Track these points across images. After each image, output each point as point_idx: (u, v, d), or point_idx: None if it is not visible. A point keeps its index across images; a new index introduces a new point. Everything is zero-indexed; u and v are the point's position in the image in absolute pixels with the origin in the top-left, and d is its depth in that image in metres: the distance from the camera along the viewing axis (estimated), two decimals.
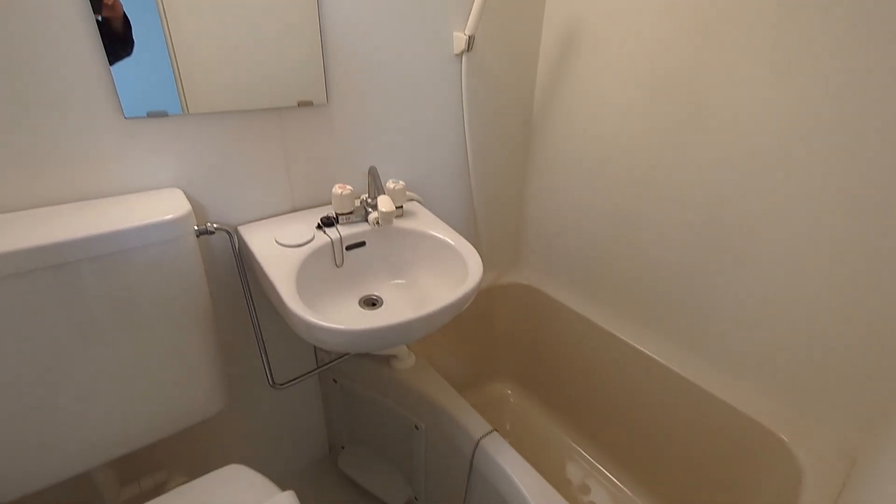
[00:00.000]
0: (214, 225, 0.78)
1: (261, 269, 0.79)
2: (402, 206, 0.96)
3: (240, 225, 0.88)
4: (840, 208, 0.78)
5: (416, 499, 1.15)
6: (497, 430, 0.92)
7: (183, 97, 0.76)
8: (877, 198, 0.74)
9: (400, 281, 0.97)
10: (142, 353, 0.75)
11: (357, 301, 0.93)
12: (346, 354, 1.06)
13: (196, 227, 0.76)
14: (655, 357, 1.12)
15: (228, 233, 0.81)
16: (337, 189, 0.88)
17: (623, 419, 1.24)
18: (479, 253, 1.26)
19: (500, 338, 1.50)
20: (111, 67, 0.68)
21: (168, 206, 0.72)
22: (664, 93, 0.97)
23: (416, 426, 1.03)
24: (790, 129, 0.81)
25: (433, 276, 0.95)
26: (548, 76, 1.20)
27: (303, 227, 0.88)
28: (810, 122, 0.78)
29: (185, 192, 0.79)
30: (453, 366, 1.42)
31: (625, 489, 1.23)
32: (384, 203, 0.75)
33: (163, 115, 0.74)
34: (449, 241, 0.92)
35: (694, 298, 1.04)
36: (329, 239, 0.87)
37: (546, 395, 1.47)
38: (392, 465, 1.20)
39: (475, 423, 0.92)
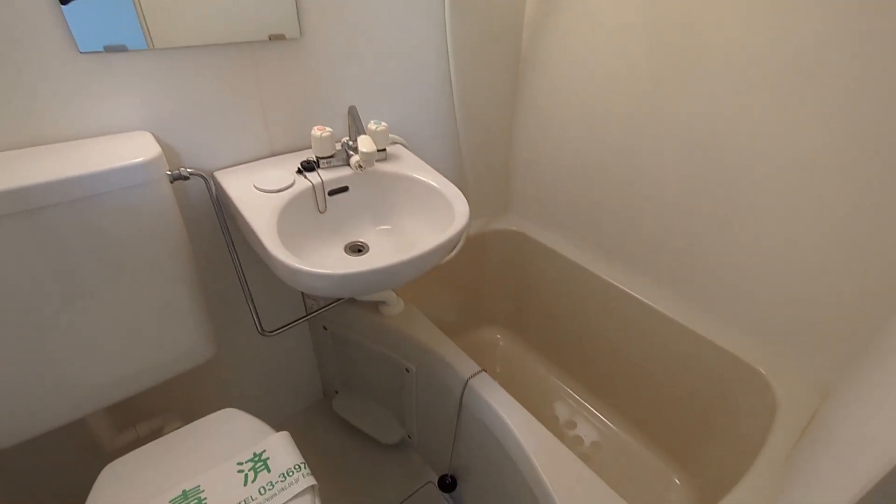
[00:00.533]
0: (188, 170, 0.75)
1: (240, 215, 0.77)
2: (385, 150, 0.92)
3: (216, 170, 0.84)
4: (835, 148, 0.76)
5: (409, 437, 1.20)
6: (485, 371, 0.94)
7: (146, 30, 0.70)
8: (872, 137, 0.72)
9: (385, 227, 0.96)
10: (126, 301, 0.74)
11: (342, 248, 0.92)
12: (335, 302, 1.06)
13: (169, 172, 0.73)
14: (642, 298, 1.13)
15: (204, 178, 0.78)
16: (316, 131, 0.84)
17: (610, 359, 1.27)
18: (466, 198, 1.24)
19: (489, 284, 1.51)
20: None
21: (137, 149, 0.69)
22: (661, 25, 0.92)
23: (406, 369, 1.05)
24: (788, 63, 0.77)
25: (419, 221, 0.93)
26: (537, 5, 1.13)
27: (282, 173, 0.85)
28: (808, 57, 0.75)
29: (154, 136, 0.75)
30: (443, 312, 1.44)
31: (610, 424, 1.29)
32: (365, 143, 0.72)
33: (122, 49, 0.69)
34: (434, 184, 0.89)
35: (682, 240, 1.04)
36: (310, 184, 0.85)
37: (535, 338, 1.51)
38: (385, 406, 1.23)
39: (464, 364, 0.94)
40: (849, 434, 0.55)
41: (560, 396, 1.38)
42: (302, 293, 1.11)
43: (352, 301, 1.08)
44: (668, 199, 1.03)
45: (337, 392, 1.29)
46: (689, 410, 1.11)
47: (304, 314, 1.03)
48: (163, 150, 0.72)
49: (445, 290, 1.43)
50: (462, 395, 0.93)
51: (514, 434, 0.82)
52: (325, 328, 1.15)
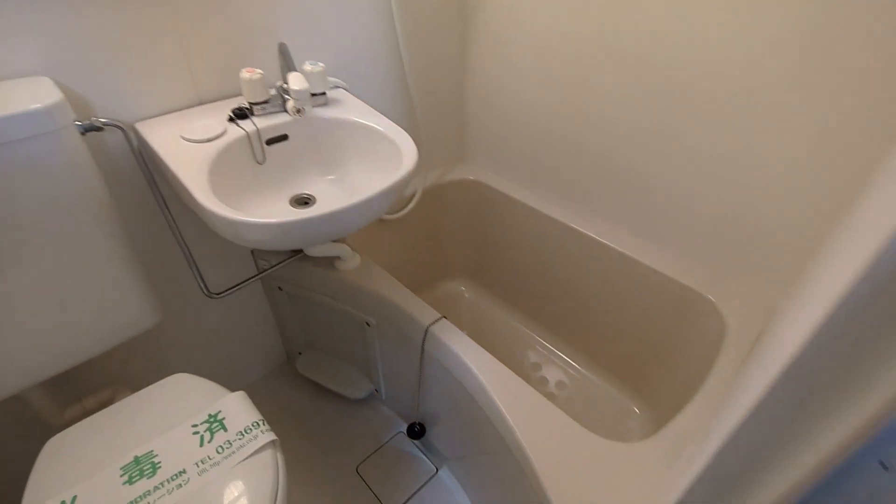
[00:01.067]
0: (102, 120, 0.68)
1: (167, 168, 0.71)
2: (324, 94, 0.87)
3: (137, 122, 0.77)
4: (788, 71, 0.76)
5: (376, 391, 1.20)
6: (446, 318, 0.93)
7: None
8: (828, 58, 0.71)
9: (331, 176, 0.92)
10: (50, 270, 0.68)
11: (287, 201, 0.88)
12: (286, 259, 1.02)
13: (79, 122, 0.66)
14: (597, 237, 1.14)
15: (122, 129, 0.71)
16: (245, 73, 0.78)
17: (571, 301, 1.29)
18: (420, 150, 1.20)
19: (449, 236, 1.50)
20: None
21: (33, 96, 0.61)
22: None
23: (367, 323, 1.04)
24: None
25: (367, 169, 0.89)
26: None
27: (212, 121, 0.79)
28: None
29: (57, 82, 0.67)
30: (404, 268, 1.42)
31: (574, 363, 1.32)
32: (296, 80, 0.67)
33: None
34: (380, 128, 0.85)
35: (633, 175, 1.04)
36: (244, 132, 0.79)
37: (498, 287, 1.51)
38: (350, 363, 1.22)
39: (424, 312, 0.93)
40: (770, 345, 0.57)
41: (525, 341, 1.41)
42: (252, 253, 1.07)
43: (305, 258, 1.04)
44: (621, 134, 1.02)
45: (300, 353, 1.27)
46: (646, 343, 1.15)
47: (255, 274, 0.99)
48: (69, 98, 0.65)
49: (405, 246, 1.40)
50: (423, 342, 0.93)
51: (476, 374, 0.83)
52: (280, 288, 1.12)
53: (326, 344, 1.23)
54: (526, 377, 1.30)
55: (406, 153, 0.79)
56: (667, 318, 1.08)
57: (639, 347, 1.17)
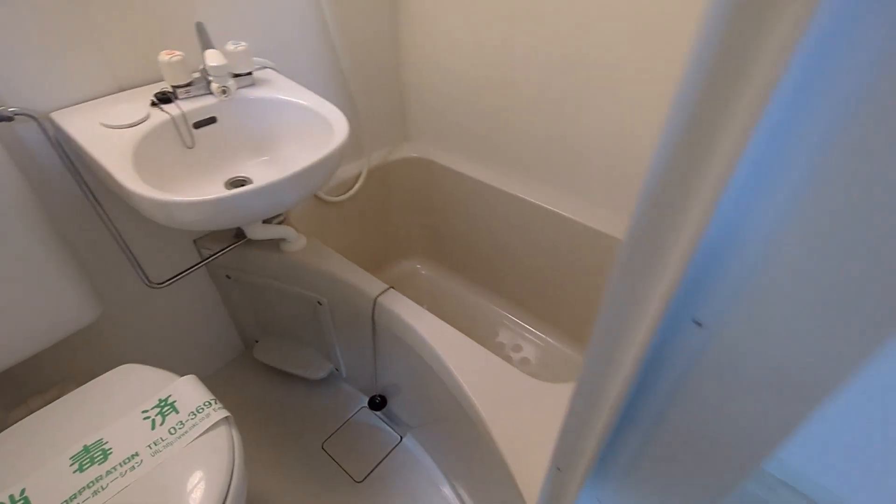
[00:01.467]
0: (11, 109, 0.66)
1: (89, 156, 0.70)
2: (250, 73, 0.87)
3: (53, 111, 0.75)
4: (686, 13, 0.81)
5: (336, 370, 1.22)
6: (393, 288, 0.96)
7: None
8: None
9: (266, 157, 0.92)
10: None
11: (223, 184, 0.88)
12: (229, 246, 1.02)
13: None
14: (541, 204, 1.19)
15: (35, 118, 0.70)
16: (164, 56, 0.77)
17: (521, 266, 1.34)
18: (360, 130, 1.21)
19: (400, 215, 1.52)
20: None
21: None
22: None
23: (318, 302, 1.05)
24: None
25: (301, 147, 0.90)
26: None
27: (134, 106, 0.78)
28: None
29: None
30: (358, 250, 1.43)
31: (527, 326, 1.38)
32: (213, 57, 0.67)
33: None
34: (308, 103, 0.86)
35: (562, 143, 1.09)
36: (169, 116, 0.78)
37: (453, 260, 1.55)
38: (307, 344, 1.24)
39: (371, 285, 0.95)
40: None
41: (481, 311, 1.45)
42: (196, 243, 1.06)
43: (250, 244, 1.04)
44: (547, 99, 1.06)
45: (257, 341, 1.28)
46: (590, 298, 1.21)
47: (198, 262, 0.98)
48: None
49: (357, 228, 1.42)
50: (373, 314, 0.95)
51: (424, 338, 0.86)
52: (228, 276, 1.11)
53: (282, 328, 1.23)
54: (482, 342, 1.35)
55: (337, 127, 0.81)
56: (604, 271, 1.14)
57: (583, 303, 1.24)
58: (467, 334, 0.88)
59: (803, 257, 0.21)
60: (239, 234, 1.04)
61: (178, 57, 0.77)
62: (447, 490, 1.06)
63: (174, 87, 0.80)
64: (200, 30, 0.74)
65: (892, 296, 0.19)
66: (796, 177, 0.19)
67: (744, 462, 0.29)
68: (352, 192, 1.30)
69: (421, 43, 1.23)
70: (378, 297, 0.93)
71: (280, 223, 1.07)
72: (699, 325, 0.26)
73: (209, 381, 1.25)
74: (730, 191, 0.20)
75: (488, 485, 0.88)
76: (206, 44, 0.73)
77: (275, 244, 1.04)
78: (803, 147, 0.18)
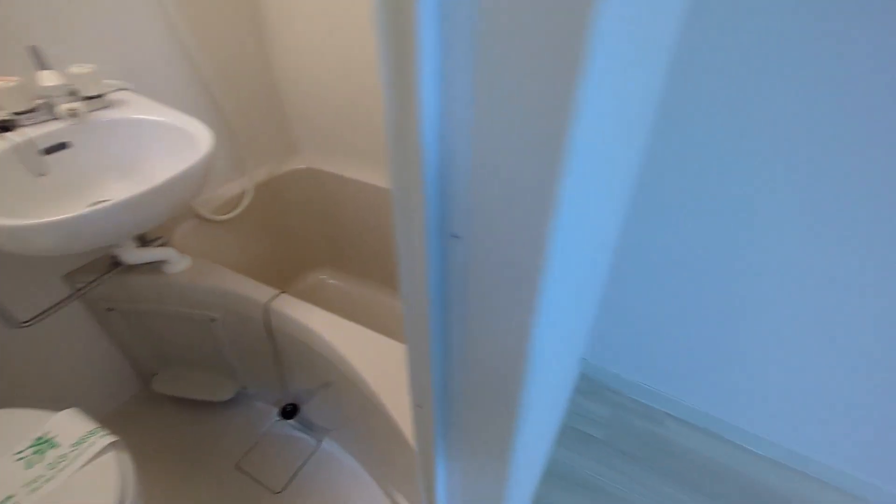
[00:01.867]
0: None
1: None
2: (100, 96, 0.85)
3: None
4: None
5: (244, 388, 1.21)
6: (285, 292, 0.98)
7: None
8: None
9: (135, 179, 0.91)
10: None
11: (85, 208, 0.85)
12: (104, 274, 0.98)
13: None
14: None
15: None
16: None
17: None
18: (237, 147, 1.21)
19: (299, 228, 1.53)
20: None
21: None
22: None
23: (211, 319, 1.04)
24: None
25: (168, 165, 0.90)
26: None
27: None
28: None
29: None
30: (256, 268, 1.42)
31: None
32: (47, 77, 0.67)
33: None
34: (167, 120, 0.86)
35: None
36: (12, 144, 0.75)
37: (355, 265, 1.59)
38: (208, 368, 1.21)
39: (260, 292, 0.97)
40: None
41: (388, 308, 1.50)
42: (67, 275, 1.00)
43: (129, 270, 1.01)
44: None
45: (155, 374, 1.22)
46: None
47: (68, 294, 0.94)
48: None
49: (255, 245, 1.41)
50: (269, 321, 0.97)
51: (323, 337, 0.89)
52: (109, 309, 1.06)
53: (180, 355, 1.19)
54: (396, 337, 1.40)
55: (200, 139, 0.82)
56: None
57: None
58: (375, 329, 0.92)
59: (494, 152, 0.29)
60: (116, 262, 1.01)
61: (14, 82, 0.75)
62: (373, 485, 1.09)
63: (15, 114, 0.77)
64: (35, 53, 0.72)
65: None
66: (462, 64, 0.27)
67: (518, 347, 0.37)
68: (239, 209, 1.30)
69: (295, 60, 1.27)
70: (268, 302, 0.95)
71: (162, 245, 1.05)
72: (457, 237, 0.34)
73: (108, 422, 1.18)
74: (427, 110, 0.28)
75: (406, 470, 0.93)
76: (43, 67, 0.71)
77: (157, 268, 1.01)
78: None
